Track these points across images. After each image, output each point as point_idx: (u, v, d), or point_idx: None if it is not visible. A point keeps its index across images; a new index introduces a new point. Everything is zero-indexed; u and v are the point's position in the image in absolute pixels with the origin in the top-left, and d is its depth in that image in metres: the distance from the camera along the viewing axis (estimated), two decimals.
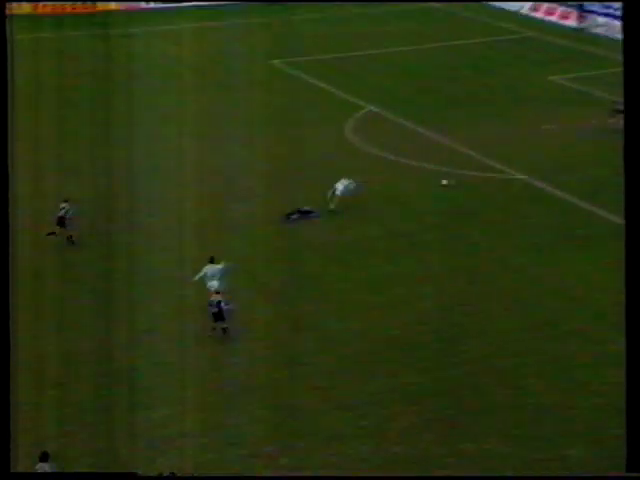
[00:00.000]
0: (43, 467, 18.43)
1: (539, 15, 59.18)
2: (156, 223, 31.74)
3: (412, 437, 21.12)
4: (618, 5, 56.10)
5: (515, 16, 59.46)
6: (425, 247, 30.24)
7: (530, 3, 60.11)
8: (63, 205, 29.81)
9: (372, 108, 43.58)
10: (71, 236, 30.00)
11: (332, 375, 23.53)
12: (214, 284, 25.47)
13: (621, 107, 40.64)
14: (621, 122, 41.25)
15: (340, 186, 32.51)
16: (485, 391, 22.85)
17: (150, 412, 21.87)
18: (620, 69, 47.35)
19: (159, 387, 22.86)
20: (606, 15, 56.04)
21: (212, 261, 26.03)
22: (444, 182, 34.59)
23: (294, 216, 31.89)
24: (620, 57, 48.16)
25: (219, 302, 24.66)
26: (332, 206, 31.98)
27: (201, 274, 25.89)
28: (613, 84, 45.69)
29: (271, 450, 20.64)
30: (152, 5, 62.76)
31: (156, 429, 21.38)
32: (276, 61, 50.80)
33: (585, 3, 56.92)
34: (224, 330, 24.82)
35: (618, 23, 54.97)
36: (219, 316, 24.65)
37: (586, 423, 21.59)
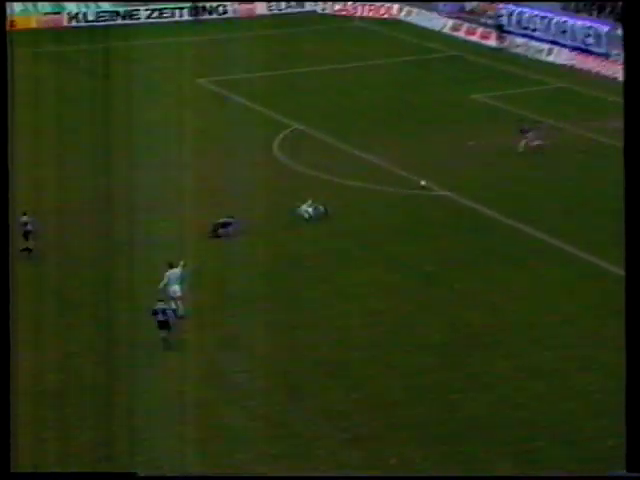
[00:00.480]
0: None
1: (461, 35, 60.15)
2: (84, 245, 31.38)
3: (341, 454, 21.16)
4: (535, 26, 57.34)
5: (438, 35, 60.32)
6: (350, 264, 30.42)
7: (452, 22, 61.07)
8: (24, 218, 29.75)
9: (298, 126, 43.76)
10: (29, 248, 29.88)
11: (261, 394, 23.48)
12: (176, 289, 25.67)
13: (526, 127, 41.48)
14: (535, 142, 41.92)
15: (309, 209, 33.13)
16: (412, 407, 23.02)
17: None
18: (538, 88, 48.68)
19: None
20: (524, 36, 57.21)
21: (171, 266, 26.19)
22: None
23: (222, 230, 31.83)
24: (538, 76, 49.32)
25: (164, 310, 24.60)
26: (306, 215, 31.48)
27: (165, 281, 25.98)
28: (532, 102, 46.75)
29: (199, 471, 20.48)
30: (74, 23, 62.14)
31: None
32: (202, 80, 50.71)
33: (505, 24, 58.02)
34: (165, 340, 24.71)
35: (536, 44, 56.18)
36: (165, 324, 24.52)
37: (512, 437, 21.88)
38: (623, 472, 12.48)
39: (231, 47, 56.64)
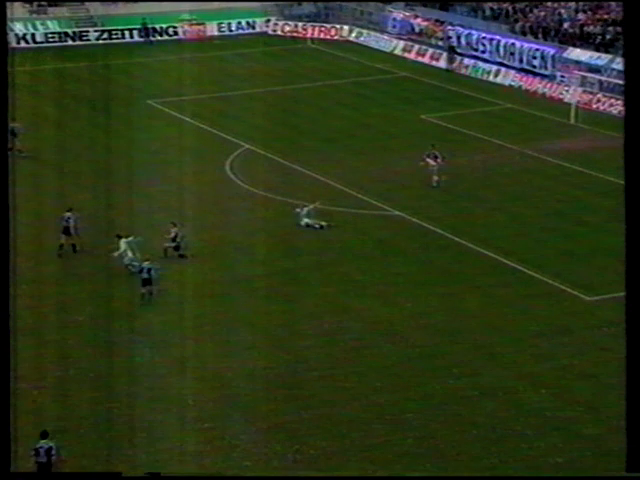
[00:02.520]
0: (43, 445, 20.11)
1: (411, 56, 60.67)
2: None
3: (295, 474, 21.04)
4: (484, 48, 58.05)
5: (389, 57, 60.78)
6: (304, 285, 30.39)
7: (402, 43, 61.59)
8: (67, 214, 31.61)
9: (249, 146, 43.74)
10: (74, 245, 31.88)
11: (214, 415, 23.31)
12: (129, 254, 29.32)
13: (435, 153, 40.42)
14: (435, 166, 40.73)
15: (308, 220, 34.04)
16: (366, 427, 22.99)
17: None
18: (486, 109, 49.20)
19: None
20: (473, 57, 57.88)
21: (120, 237, 29.64)
22: (316, 204, 35.00)
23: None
24: (485, 97, 49.93)
25: (149, 268, 27.95)
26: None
27: (122, 249, 29.42)
28: (480, 122, 47.24)
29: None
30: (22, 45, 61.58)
31: None
32: (152, 101, 50.53)
33: (455, 46, 58.65)
34: (151, 293, 27.99)
35: (484, 65, 56.86)
36: (148, 281, 27.96)
37: (466, 454, 21.94)
38: (623, 472, 12.46)
39: (182, 68, 56.58)
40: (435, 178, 38.49)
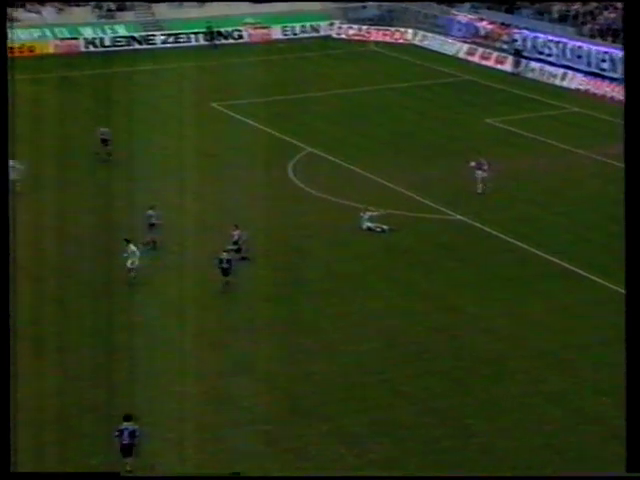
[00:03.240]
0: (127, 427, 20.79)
1: (475, 60, 60.21)
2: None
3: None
4: (550, 52, 57.38)
5: (453, 60, 60.41)
6: (364, 288, 30.30)
7: (466, 47, 61.18)
8: (150, 212, 32.89)
9: (311, 150, 43.80)
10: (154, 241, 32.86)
11: (272, 418, 23.34)
12: (135, 259, 29.79)
13: (481, 161, 38.49)
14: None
15: (370, 224, 34.18)
16: (426, 431, 22.82)
17: None
18: (552, 112, 48.52)
19: None
20: (539, 60, 57.24)
21: (128, 241, 30.09)
22: (382, 211, 34.96)
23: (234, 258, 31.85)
24: (551, 101, 49.09)
25: (229, 259, 29.61)
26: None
27: (132, 249, 29.94)
28: (546, 126, 46.67)
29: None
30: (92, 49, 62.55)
31: None
32: (216, 104, 50.90)
33: (521, 49, 58.09)
34: (228, 283, 29.42)
35: (550, 69, 56.20)
36: (226, 271, 29.58)
37: (527, 462, 21.66)
38: (623, 472, 12.19)
39: (246, 71, 56.89)
40: (480, 186, 37.82)
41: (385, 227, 34.48)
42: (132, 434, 20.80)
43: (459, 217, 36.08)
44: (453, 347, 26.81)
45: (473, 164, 38.20)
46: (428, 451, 22.05)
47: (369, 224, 34.49)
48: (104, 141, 41.70)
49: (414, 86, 55.19)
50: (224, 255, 29.86)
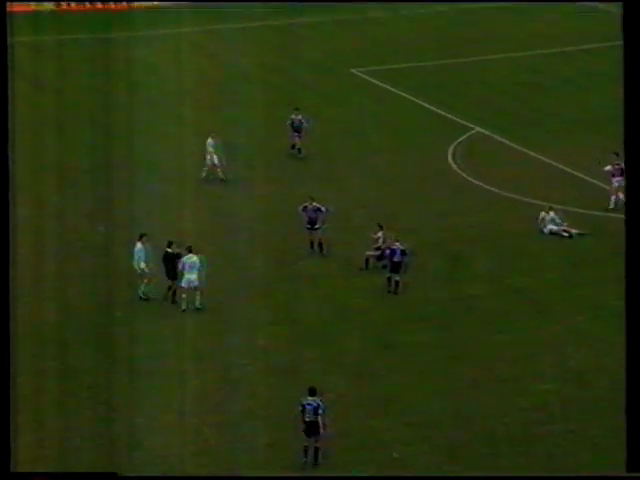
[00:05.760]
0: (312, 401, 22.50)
1: None
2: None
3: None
4: None
5: None
6: (541, 310, 30.08)
7: None
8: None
9: (479, 129, 43.70)
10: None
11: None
12: (191, 278, 29.79)
13: (619, 163, 36.22)
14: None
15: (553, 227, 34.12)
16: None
17: None
18: None
19: None
20: None
21: (190, 250, 30.21)
22: None
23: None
24: None
25: (402, 250, 30.09)
26: None
27: (187, 260, 30.04)
28: None
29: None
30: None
31: None
32: (355, 70, 51.29)
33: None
34: (397, 283, 30.49)
35: None
36: (397, 266, 30.36)
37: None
38: (623, 472, 13.98)
39: (395, 30, 57.12)
40: (613, 198, 35.83)
41: (573, 231, 34.15)
42: (316, 410, 22.52)
43: None
44: None
45: (608, 171, 36.21)
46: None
47: (553, 227, 34.21)
48: (297, 130, 40.55)
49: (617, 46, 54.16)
50: (396, 245, 30.36)
